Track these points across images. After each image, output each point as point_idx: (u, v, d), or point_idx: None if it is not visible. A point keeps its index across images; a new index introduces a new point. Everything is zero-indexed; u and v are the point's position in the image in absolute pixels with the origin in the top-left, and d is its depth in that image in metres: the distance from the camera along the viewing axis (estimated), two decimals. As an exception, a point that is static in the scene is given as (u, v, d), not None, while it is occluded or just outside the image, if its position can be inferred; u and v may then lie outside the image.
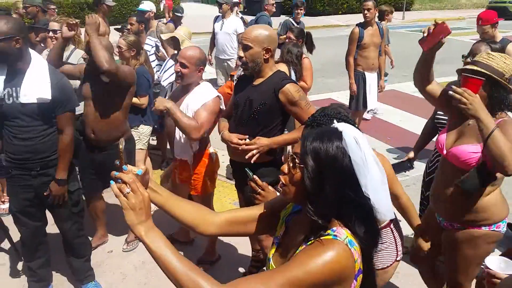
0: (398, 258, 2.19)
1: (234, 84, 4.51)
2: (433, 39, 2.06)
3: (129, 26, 5.24)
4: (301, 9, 6.63)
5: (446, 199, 2.23)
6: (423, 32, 2.09)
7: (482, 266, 1.54)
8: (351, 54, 5.49)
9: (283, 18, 7.83)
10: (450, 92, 1.91)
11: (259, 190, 1.71)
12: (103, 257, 3.53)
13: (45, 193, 2.74)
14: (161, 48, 5.08)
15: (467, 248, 2.21)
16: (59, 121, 2.67)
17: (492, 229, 2.19)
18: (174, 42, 4.28)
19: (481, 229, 2.19)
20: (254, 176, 1.74)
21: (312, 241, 1.19)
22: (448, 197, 2.19)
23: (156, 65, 5.03)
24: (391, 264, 2.16)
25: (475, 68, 2.06)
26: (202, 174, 3.13)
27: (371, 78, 5.55)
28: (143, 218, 1.16)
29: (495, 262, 1.53)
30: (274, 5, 7.61)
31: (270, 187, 1.75)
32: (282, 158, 2.89)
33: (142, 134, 4.04)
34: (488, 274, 1.51)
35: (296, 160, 1.23)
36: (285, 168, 1.27)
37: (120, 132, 3.26)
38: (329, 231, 1.19)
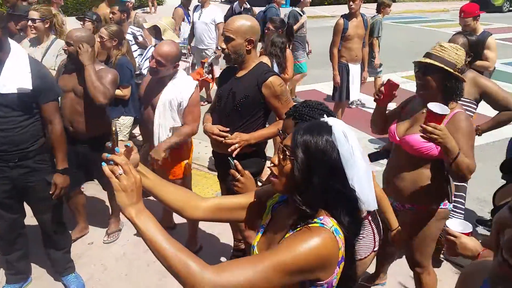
0: (375, 249, 2.23)
1: (204, 75, 4.50)
2: (387, 97, 2.41)
3: (111, 16, 5.17)
4: None
5: (397, 183, 2.39)
6: (379, 93, 2.41)
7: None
8: (335, 46, 5.49)
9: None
10: (421, 129, 2.05)
11: (239, 176, 1.76)
12: (83, 249, 3.50)
13: (51, 192, 2.72)
14: (142, 35, 5.01)
15: (420, 227, 2.37)
16: (46, 111, 2.63)
17: (440, 207, 2.38)
18: (156, 32, 4.22)
19: (430, 208, 2.37)
20: (235, 162, 1.79)
21: (300, 228, 1.23)
22: (400, 180, 2.35)
23: (138, 55, 4.96)
24: (368, 255, 2.20)
25: (428, 61, 2.19)
26: (180, 159, 3.16)
27: (354, 70, 5.58)
28: (134, 200, 1.17)
29: (455, 224, 1.70)
30: None
31: (249, 175, 1.78)
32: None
33: (123, 125, 4.00)
34: (447, 232, 1.66)
35: (287, 152, 1.26)
36: (275, 159, 1.30)
37: (100, 124, 3.21)
38: (316, 220, 1.23)
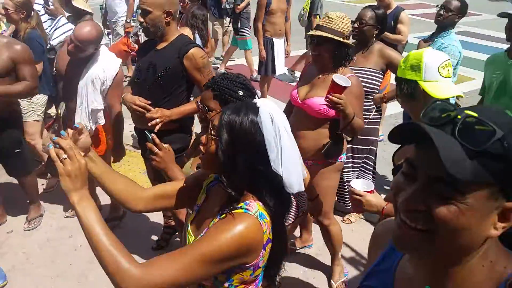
0: (298, 216, 2.35)
1: (131, 45, 4.34)
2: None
3: None
4: None
5: (300, 142, 2.51)
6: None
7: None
8: (259, 20, 5.50)
9: None
10: (327, 99, 2.26)
11: (156, 150, 1.74)
12: (2, 238, 3.29)
13: None
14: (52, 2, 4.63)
15: (322, 180, 2.58)
16: None
17: (337, 161, 2.63)
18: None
19: (328, 162, 2.60)
20: (153, 135, 1.77)
21: (224, 215, 1.23)
22: (302, 140, 2.50)
23: (48, 22, 4.52)
24: (291, 222, 2.32)
25: (318, 33, 2.39)
26: (103, 133, 3.08)
27: (279, 44, 5.65)
28: (78, 185, 1.16)
29: (358, 184, 1.83)
30: None
31: (167, 146, 1.77)
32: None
33: (37, 104, 3.71)
34: (352, 192, 1.80)
35: (212, 132, 1.26)
36: (203, 138, 1.30)
37: (7, 106, 2.99)
38: (242, 204, 1.23)
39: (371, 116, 3.23)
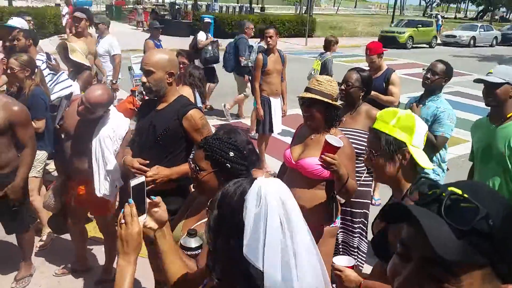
0: None
1: (137, 103, 4.48)
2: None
3: (15, 42, 4.80)
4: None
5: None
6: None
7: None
8: (256, 80, 5.71)
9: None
10: (321, 159, 2.28)
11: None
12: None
13: None
14: (55, 58, 4.78)
15: (320, 245, 2.50)
16: None
17: (332, 226, 2.65)
18: (65, 51, 4.11)
19: (326, 227, 2.61)
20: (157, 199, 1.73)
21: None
22: (298, 200, 2.45)
23: (49, 76, 4.62)
24: None
25: (309, 95, 2.50)
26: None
27: (275, 103, 5.80)
28: (127, 250, 1.27)
29: (340, 259, 1.90)
30: (253, 28, 8.10)
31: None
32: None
33: (37, 161, 3.75)
34: (333, 268, 1.83)
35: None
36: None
37: (4, 162, 3.03)
38: None
39: (362, 178, 3.21)
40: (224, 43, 8.79)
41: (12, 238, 3.57)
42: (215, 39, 8.26)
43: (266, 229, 1.04)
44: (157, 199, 1.43)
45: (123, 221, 1.28)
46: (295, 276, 1.04)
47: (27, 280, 3.36)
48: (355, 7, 70.41)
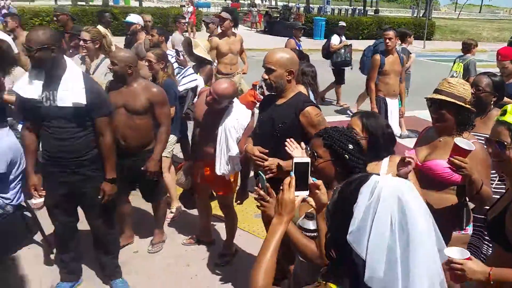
0: None
1: (258, 96, 4.76)
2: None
3: (149, 37, 5.37)
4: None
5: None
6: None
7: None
8: (372, 80, 5.70)
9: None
10: (448, 161, 2.21)
11: (268, 198, 1.73)
12: (128, 256, 3.67)
13: (99, 196, 2.96)
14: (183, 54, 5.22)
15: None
16: (98, 124, 2.88)
17: (462, 233, 2.51)
18: (189, 46, 4.51)
19: (454, 233, 2.50)
20: (267, 185, 1.76)
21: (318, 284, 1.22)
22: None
23: (177, 70, 5.01)
24: None
25: (439, 97, 2.43)
26: (232, 177, 3.37)
27: (392, 104, 5.73)
28: (282, 212, 1.48)
29: (454, 252, 1.74)
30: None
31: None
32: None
33: (168, 143, 4.23)
34: (450, 262, 1.70)
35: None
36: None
37: (148, 139, 3.48)
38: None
39: (493, 185, 2.98)
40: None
41: (148, 206, 4.07)
42: (349, 43, 8.45)
43: (373, 223, 1.04)
44: (318, 182, 1.57)
45: (282, 188, 1.43)
46: (399, 278, 1.02)
47: (160, 245, 3.83)
48: (479, 11, 64.83)
